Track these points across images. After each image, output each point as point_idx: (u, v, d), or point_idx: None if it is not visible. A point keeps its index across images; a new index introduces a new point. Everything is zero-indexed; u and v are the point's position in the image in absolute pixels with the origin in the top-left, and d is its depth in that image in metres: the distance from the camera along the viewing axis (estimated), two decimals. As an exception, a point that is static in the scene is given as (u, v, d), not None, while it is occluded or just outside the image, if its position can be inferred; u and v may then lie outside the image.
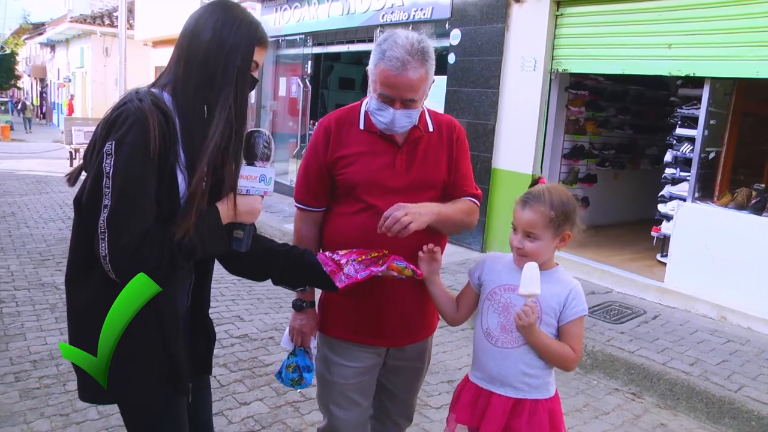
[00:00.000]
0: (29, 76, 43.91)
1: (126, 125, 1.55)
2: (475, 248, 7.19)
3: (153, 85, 1.73)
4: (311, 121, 11.03)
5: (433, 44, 7.27)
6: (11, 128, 25.81)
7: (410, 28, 8.41)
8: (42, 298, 5.21)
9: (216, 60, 1.66)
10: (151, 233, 1.58)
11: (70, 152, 14.62)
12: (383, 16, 8.68)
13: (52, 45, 34.08)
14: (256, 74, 1.76)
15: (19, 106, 35.19)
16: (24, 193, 10.80)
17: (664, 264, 5.84)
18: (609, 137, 8.12)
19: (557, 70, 6.51)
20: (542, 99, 6.60)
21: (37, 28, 38.88)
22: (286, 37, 11.56)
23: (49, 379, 3.74)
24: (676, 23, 5.46)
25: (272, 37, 11.83)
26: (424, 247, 2.09)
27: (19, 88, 49.74)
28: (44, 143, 22.29)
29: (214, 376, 3.86)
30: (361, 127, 2.13)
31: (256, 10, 12.03)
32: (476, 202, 2.23)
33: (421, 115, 2.15)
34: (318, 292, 2.29)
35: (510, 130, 6.90)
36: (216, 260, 1.96)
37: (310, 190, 2.18)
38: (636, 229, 7.87)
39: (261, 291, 5.86)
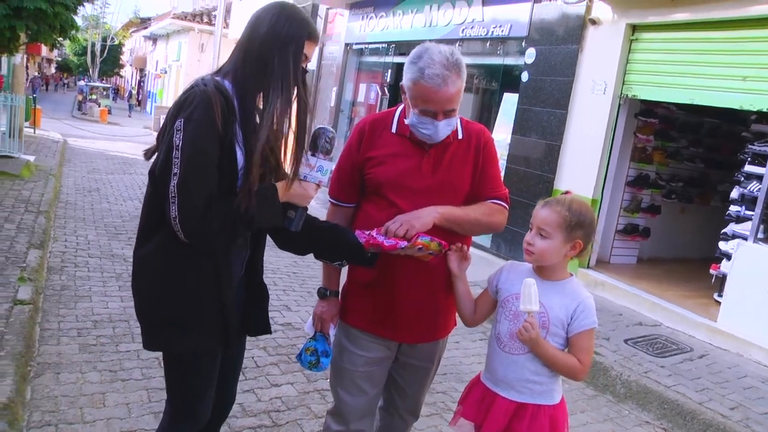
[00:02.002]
0: (131, 65, 46.53)
1: (193, 105, 1.79)
2: (528, 267, 7.14)
3: (216, 73, 1.97)
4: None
5: (508, 62, 7.26)
6: (109, 112, 27.40)
7: (488, 44, 8.46)
8: (110, 267, 5.57)
9: (270, 51, 1.88)
10: (216, 199, 1.80)
11: (156, 137, 15.41)
12: (463, 30, 8.75)
13: (154, 38, 36.00)
14: (306, 66, 1.97)
15: (126, 94, 37.64)
16: (110, 172, 11.51)
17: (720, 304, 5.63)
18: (678, 169, 7.86)
19: (627, 95, 6.39)
20: (609, 123, 6.48)
21: (143, 23, 41.17)
22: (370, 45, 11.80)
23: (104, 339, 4.04)
24: (753, 55, 5.26)
25: (356, 44, 12.11)
26: (453, 246, 2.19)
27: (121, 77, 52.72)
28: (136, 128, 23.59)
29: (252, 357, 4.05)
30: (393, 130, 2.24)
31: (344, 17, 12.36)
32: (500, 203, 2.26)
33: None
34: (342, 283, 2.41)
35: (575, 152, 6.82)
36: (268, 237, 2.19)
37: (343, 187, 2.31)
38: (698, 267, 7.56)
39: (313, 284, 6.02)
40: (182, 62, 27.33)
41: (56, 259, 5.58)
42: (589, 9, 6.72)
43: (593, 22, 6.63)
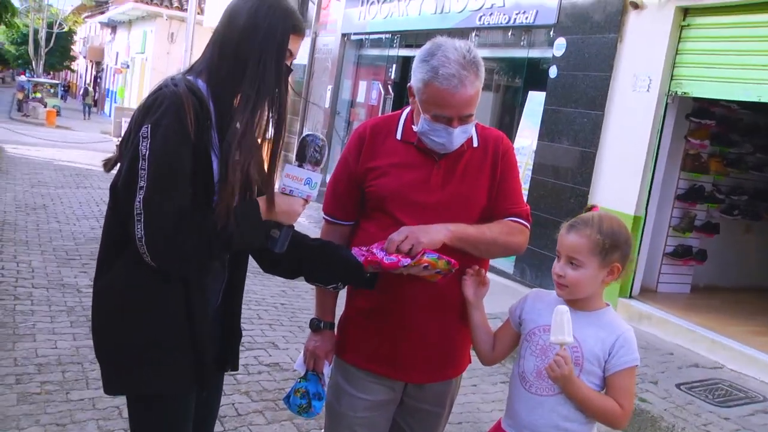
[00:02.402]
0: (84, 58, 46.88)
1: (162, 108, 1.85)
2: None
3: (188, 71, 2.04)
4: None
5: (534, 54, 7.42)
6: (58, 113, 27.60)
7: (510, 34, 8.58)
8: (60, 299, 5.62)
9: (250, 46, 1.94)
10: (189, 216, 1.85)
11: (117, 146, 15.57)
12: (480, 17, 8.89)
13: (113, 26, 36.34)
14: (290, 63, 2.04)
15: (81, 92, 37.89)
16: (60, 185, 11.63)
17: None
18: (741, 179, 7.93)
19: (675, 92, 6.46)
20: (654, 126, 6.55)
21: (99, 6, 41.54)
22: (371, 35, 11.95)
23: (51, 386, 4.06)
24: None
25: (355, 34, 12.26)
26: (469, 270, 2.26)
27: (72, 71, 53.09)
28: (92, 133, 23.78)
29: (232, 404, 4.10)
30: (398, 137, 2.31)
31: (340, 2, 12.52)
32: (521, 221, 2.33)
33: None
34: (338, 315, 2.47)
35: (614, 160, 6.90)
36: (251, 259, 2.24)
37: (339, 202, 2.38)
38: (768, 297, 7.62)
39: (304, 317, 6.05)
40: (148, 55, 27.56)
41: (-10, 290, 5.64)
42: (630, -10, 6.82)
43: (635, 5, 6.73)
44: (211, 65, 1.99)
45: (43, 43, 39.47)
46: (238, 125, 1.93)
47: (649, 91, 6.57)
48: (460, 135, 2.19)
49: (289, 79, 2.05)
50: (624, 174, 6.77)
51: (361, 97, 12.42)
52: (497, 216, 2.30)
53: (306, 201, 2.06)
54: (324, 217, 2.43)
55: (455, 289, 2.27)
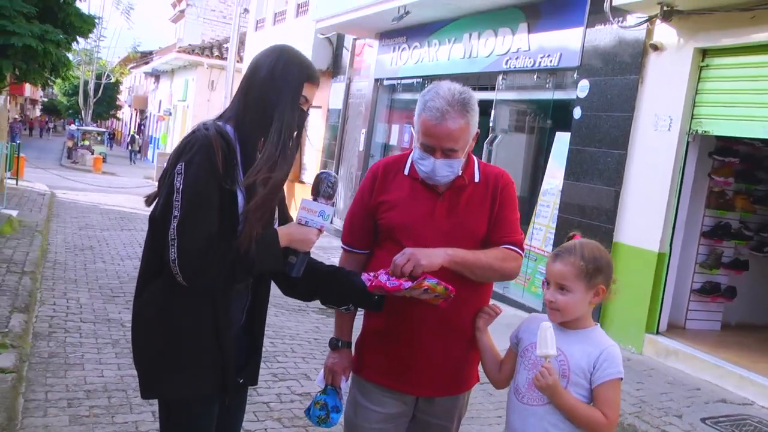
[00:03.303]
0: (129, 106, 48.40)
1: (194, 149, 2.17)
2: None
3: (218, 118, 2.38)
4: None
5: (559, 96, 7.63)
6: (104, 160, 28.60)
7: (535, 76, 8.85)
8: (106, 333, 5.97)
9: (270, 95, 2.29)
10: (216, 241, 2.14)
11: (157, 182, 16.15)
12: (507, 61, 9.19)
13: (156, 75, 37.58)
14: (306, 108, 2.39)
15: (127, 139, 39.28)
16: (105, 228, 12.15)
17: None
18: (769, 217, 7.98)
19: (696, 131, 6.62)
20: (676, 164, 6.72)
21: (144, 57, 42.97)
22: (402, 80, 12.34)
23: (99, 410, 4.38)
24: None
25: (388, 79, 12.66)
26: (486, 308, 2.55)
27: (118, 119, 54.79)
28: (135, 179, 24.56)
29: (265, 429, 4.37)
30: (406, 173, 2.59)
31: (373, 48, 12.97)
32: (514, 249, 2.55)
33: (469, 166, 2.57)
34: (356, 335, 2.72)
35: (637, 198, 7.06)
36: (288, 303, 2.53)
37: (355, 233, 2.67)
38: (801, 335, 7.58)
39: (334, 354, 6.28)
40: (189, 102, 28.35)
41: (44, 324, 6.01)
42: (650, 33, 7.07)
43: (655, 47, 6.96)
44: (237, 113, 2.32)
45: (92, 93, 40.85)
46: (261, 164, 2.24)
47: (670, 130, 6.74)
48: (444, 167, 2.43)
49: (305, 121, 2.39)
50: (648, 211, 6.91)
51: (393, 140, 12.73)
52: (493, 243, 2.53)
53: (320, 231, 2.36)
54: (342, 247, 2.71)
55: (460, 313, 2.50)
